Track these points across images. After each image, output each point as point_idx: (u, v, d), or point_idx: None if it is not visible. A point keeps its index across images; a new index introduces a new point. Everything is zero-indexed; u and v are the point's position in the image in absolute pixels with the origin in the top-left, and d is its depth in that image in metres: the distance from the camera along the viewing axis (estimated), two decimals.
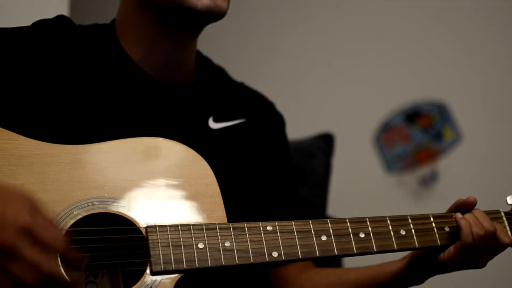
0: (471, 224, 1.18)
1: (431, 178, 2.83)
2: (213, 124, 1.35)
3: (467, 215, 1.21)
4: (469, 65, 2.84)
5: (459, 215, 1.20)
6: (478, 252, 1.19)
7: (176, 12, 1.24)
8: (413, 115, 2.89)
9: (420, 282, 1.26)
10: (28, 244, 0.87)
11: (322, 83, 3.00)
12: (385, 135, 2.91)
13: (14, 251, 0.86)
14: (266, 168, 1.41)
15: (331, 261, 1.76)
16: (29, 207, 0.89)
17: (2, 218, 0.86)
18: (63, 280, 0.90)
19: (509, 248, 1.24)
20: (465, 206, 1.23)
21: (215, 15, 1.25)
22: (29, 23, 1.27)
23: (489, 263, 1.22)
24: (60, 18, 1.29)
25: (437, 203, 2.76)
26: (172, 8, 1.24)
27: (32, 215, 0.88)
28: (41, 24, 1.26)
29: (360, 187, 2.86)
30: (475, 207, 1.23)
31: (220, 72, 1.45)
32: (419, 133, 2.89)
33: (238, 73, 1.68)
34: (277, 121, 1.49)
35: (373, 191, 2.86)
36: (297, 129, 2.16)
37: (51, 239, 0.89)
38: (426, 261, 1.22)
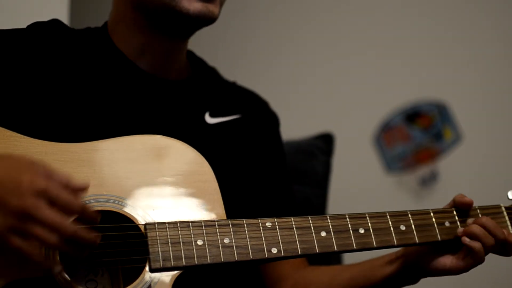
0: (481, 237, 1.15)
1: (431, 178, 2.83)
2: (209, 119, 1.36)
3: (474, 228, 1.17)
4: (469, 65, 2.84)
5: (466, 239, 1.16)
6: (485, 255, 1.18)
7: (168, 16, 1.25)
8: (413, 115, 2.89)
9: (415, 282, 1.25)
10: (46, 206, 0.90)
11: (322, 82, 3.00)
12: (385, 135, 2.91)
13: (33, 214, 0.89)
14: (260, 165, 1.42)
15: (330, 257, 1.76)
16: (43, 171, 0.92)
17: (18, 183, 0.89)
18: (86, 237, 0.93)
19: None
20: (463, 206, 1.22)
21: (206, 19, 1.26)
22: (29, 23, 1.29)
23: (491, 263, 1.22)
24: (54, 21, 1.31)
25: (437, 203, 2.72)
26: (164, 11, 1.24)
27: (46, 178, 0.91)
28: (36, 26, 1.28)
29: (360, 187, 2.85)
30: (481, 215, 1.21)
31: (213, 72, 1.46)
32: (419, 133, 2.89)
33: (238, 73, 1.69)
34: (272, 119, 1.50)
35: (373, 191, 2.85)
36: (297, 129, 2.16)
37: (67, 198, 0.92)
38: (421, 267, 1.21)
